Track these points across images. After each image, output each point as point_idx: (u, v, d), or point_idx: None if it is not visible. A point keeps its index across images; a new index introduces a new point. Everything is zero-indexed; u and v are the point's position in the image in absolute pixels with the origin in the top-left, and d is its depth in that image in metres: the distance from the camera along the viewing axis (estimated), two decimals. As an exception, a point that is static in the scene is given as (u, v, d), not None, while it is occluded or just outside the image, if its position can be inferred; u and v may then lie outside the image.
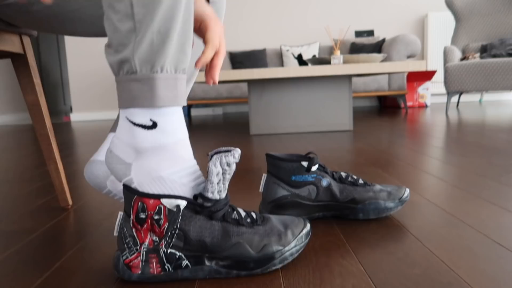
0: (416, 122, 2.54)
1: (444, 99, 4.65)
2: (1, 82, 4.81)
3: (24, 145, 2.30)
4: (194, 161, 0.56)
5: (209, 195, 0.53)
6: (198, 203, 0.53)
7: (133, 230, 0.54)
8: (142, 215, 0.53)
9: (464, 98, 4.69)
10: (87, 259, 0.64)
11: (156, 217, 0.52)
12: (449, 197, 0.88)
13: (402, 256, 0.60)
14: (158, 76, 0.50)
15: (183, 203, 0.52)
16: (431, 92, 4.56)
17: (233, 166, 0.55)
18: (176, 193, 0.54)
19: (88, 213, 0.90)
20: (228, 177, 0.55)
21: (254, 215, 0.59)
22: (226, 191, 0.56)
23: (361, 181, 0.78)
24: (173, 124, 0.54)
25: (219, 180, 0.54)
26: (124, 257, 0.55)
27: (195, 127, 2.97)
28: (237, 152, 0.54)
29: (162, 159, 0.53)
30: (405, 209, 0.82)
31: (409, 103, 3.96)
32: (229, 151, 0.55)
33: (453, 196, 0.89)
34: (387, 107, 4.25)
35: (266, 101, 2.30)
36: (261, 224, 0.58)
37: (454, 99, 4.81)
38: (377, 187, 0.77)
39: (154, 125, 0.52)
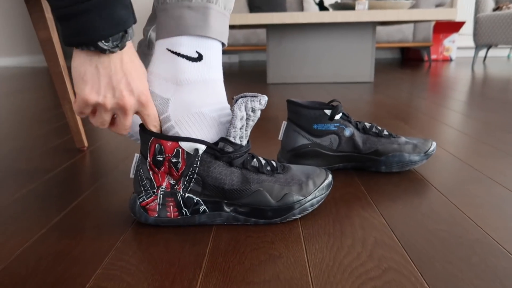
0: (440, 76, 2.43)
1: (469, 53, 4.44)
2: (16, 23, 4.75)
3: (40, 87, 2.29)
4: (228, 105, 0.54)
5: (231, 140, 0.51)
6: (218, 149, 0.50)
7: (150, 172, 0.52)
8: (160, 158, 0.51)
9: (492, 52, 4.47)
10: (103, 200, 0.64)
11: (174, 160, 0.50)
12: (476, 153, 0.84)
13: (426, 211, 0.57)
14: (212, 7, 0.49)
15: (202, 147, 0.50)
16: (457, 45, 4.35)
17: (258, 113, 0.52)
18: (215, 132, 0.52)
19: (104, 155, 0.89)
20: (252, 123, 0.52)
21: (274, 163, 0.56)
22: (247, 138, 0.53)
23: (385, 132, 0.74)
24: (217, 59, 0.52)
25: (242, 126, 0.51)
26: (140, 200, 0.53)
27: (210, 74, 2.90)
28: (264, 98, 0.51)
29: (204, 94, 0.51)
30: (428, 163, 0.79)
31: (433, 56, 3.79)
32: (255, 96, 0.52)
33: (480, 152, 0.85)
34: (409, 59, 4.09)
35: (285, 48, 2.22)
36: (282, 172, 0.56)
37: (481, 53, 4.59)
38: (402, 139, 0.74)
39: (199, 58, 0.50)
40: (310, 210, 0.56)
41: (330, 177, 0.59)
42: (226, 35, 0.52)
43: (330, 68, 2.23)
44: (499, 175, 0.71)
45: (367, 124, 0.74)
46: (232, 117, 0.50)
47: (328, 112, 0.70)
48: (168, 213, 0.53)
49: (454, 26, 3.62)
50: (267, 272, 0.43)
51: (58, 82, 0.88)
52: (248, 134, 0.53)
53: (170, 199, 0.52)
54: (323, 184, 0.57)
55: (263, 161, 0.55)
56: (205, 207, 0.53)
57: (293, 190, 0.54)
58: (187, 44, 0.50)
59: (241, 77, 2.61)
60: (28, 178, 0.75)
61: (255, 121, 0.52)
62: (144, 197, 0.53)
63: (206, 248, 0.49)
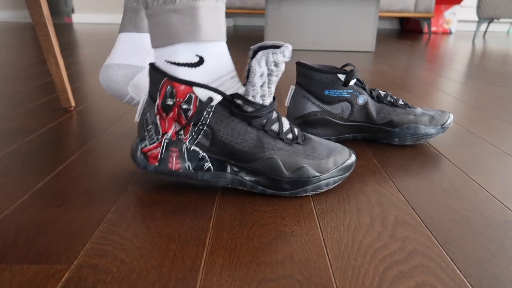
0: (441, 48, 2.36)
1: (469, 27, 4.35)
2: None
3: (25, 43, 2.16)
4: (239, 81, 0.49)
5: (250, 99, 0.45)
6: (236, 103, 0.45)
7: (157, 117, 0.47)
8: (170, 102, 0.45)
9: (492, 27, 4.39)
10: (92, 165, 0.58)
11: (184, 106, 0.45)
12: (489, 127, 0.80)
13: (447, 188, 0.53)
14: (200, 5, 0.43)
15: (217, 97, 0.44)
16: (458, 18, 4.25)
17: (282, 67, 0.45)
18: None
19: (93, 116, 0.82)
20: (275, 79, 0.46)
21: (296, 131, 0.51)
22: (272, 95, 0.47)
23: (401, 102, 0.69)
24: (220, 57, 0.46)
25: (263, 83, 0.45)
26: (142, 145, 0.49)
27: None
28: (288, 49, 0.44)
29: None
30: (442, 137, 0.74)
31: (433, 28, 3.70)
32: (277, 47, 0.45)
33: (493, 126, 0.80)
34: (408, 31, 3.99)
35: (284, 12, 2.11)
36: (302, 143, 0.50)
37: (482, 28, 4.50)
38: (419, 110, 0.68)
39: (200, 61, 0.45)
40: (324, 190, 0.51)
41: (353, 157, 0.53)
42: (223, 31, 0.46)
43: (330, 35, 2.14)
44: (519, 151, 0.67)
45: (382, 92, 0.68)
46: (250, 74, 0.43)
47: (342, 77, 0.64)
48: (170, 164, 0.48)
49: (456, -2, 3.51)
50: (279, 252, 0.39)
51: (42, 34, 0.80)
52: (273, 91, 0.47)
53: (174, 149, 0.47)
54: (344, 165, 0.51)
55: (286, 127, 0.49)
56: (210, 164, 0.48)
57: (310, 164, 0.49)
58: (184, 51, 0.45)
59: (236, 42, 2.51)
60: (9, 139, 0.68)
61: (279, 76, 0.46)
62: (147, 143, 0.48)
63: (209, 222, 0.44)
